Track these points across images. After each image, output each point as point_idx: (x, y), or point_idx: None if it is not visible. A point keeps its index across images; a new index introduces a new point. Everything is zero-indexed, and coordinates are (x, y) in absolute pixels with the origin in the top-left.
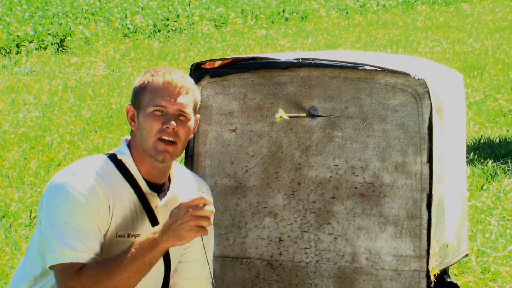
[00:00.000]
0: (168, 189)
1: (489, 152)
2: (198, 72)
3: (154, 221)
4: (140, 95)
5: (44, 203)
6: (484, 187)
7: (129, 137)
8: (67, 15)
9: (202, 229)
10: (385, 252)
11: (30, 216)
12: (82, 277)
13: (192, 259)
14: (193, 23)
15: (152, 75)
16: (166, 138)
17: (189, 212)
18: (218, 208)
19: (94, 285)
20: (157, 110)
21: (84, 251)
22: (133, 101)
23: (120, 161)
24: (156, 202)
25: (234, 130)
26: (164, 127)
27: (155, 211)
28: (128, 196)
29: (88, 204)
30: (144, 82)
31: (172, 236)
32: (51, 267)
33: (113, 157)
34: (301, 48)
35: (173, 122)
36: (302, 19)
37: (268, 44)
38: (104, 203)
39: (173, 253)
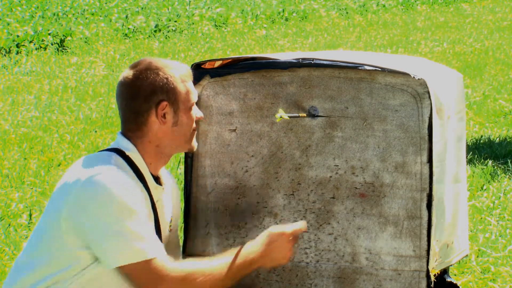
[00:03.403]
0: (160, 183)
1: (489, 152)
2: (198, 72)
3: (155, 215)
4: (176, 90)
5: (88, 208)
6: (484, 187)
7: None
8: (67, 15)
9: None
10: (385, 252)
11: (30, 216)
12: (179, 270)
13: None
14: (193, 23)
15: (171, 69)
16: (195, 128)
17: (291, 242)
18: (218, 208)
19: (192, 282)
20: (194, 103)
21: (161, 246)
22: (166, 97)
23: (128, 157)
24: (158, 196)
25: (234, 130)
26: (199, 116)
27: (156, 205)
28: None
29: (139, 202)
30: (173, 76)
31: (270, 261)
32: (123, 267)
33: (120, 154)
34: (301, 48)
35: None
36: (302, 19)
37: (268, 44)
38: (144, 199)
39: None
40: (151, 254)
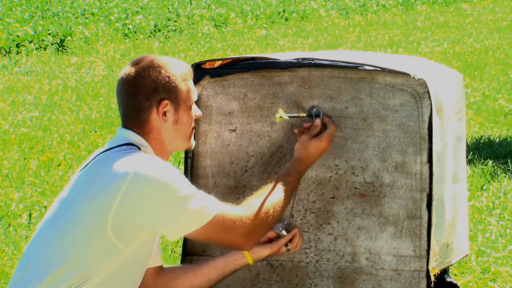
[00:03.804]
0: None
1: (489, 152)
2: (198, 72)
3: None
4: (177, 89)
5: (145, 199)
6: (484, 187)
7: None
8: (67, 15)
9: None
10: (385, 252)
11: (30, 216)
12: (248, 209)
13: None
14: (193, 23)
15: (173, 67)
16: (194, 126)
17: (326, 140)
18: None
19: (266, 213)
20: (194, 102)
21: (216, 199)
22: (167, 96)
23: (144, 152)
24: None
25: (234, 130)
26: (198, 114)
27: None
28: None
29: (183, 177)
30: (174, 74)
31: (315, 160)
32: (192, 233)
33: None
34: (301, 48)
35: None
36: (302, 19)
37: (268, 44)
38: None
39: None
40: (214, 210)
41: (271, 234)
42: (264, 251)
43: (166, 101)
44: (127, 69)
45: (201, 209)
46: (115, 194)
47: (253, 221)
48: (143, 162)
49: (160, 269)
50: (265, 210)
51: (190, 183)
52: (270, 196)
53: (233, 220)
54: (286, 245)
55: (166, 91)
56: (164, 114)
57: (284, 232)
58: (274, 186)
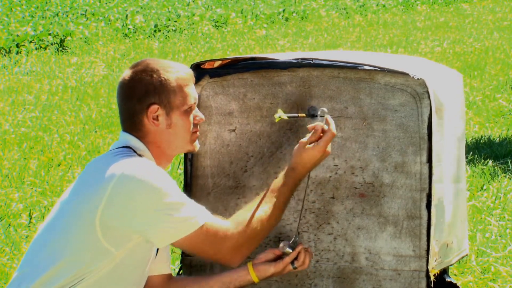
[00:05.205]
0: None
1: (489, 152)
2: (197, 72)
3: None
4: (169, 93)
5: (131, 201)
6: (484, 187)
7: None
8: (67, 15)
9: None
10: (385, 252)
11: (30, 216)
12: (236, 224)
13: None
14: (193, 23)
15: (167, 72)
16: (196, 130)
17: (322, 148)
18: (218, 208)
19: (254, 228)
20: (191, 106)
21: (206, 210)
22: (158, 100)
23: (140, 155)
24: None
25: (234, 130)
26: (198, 119)
27: None
28: None
29: (173, 182)
30: (167, 79)
31: (310, 168)
32: (180, 240)
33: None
34: (301, 48)
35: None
36: (302, 19)
37: (268, 44)
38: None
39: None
40: (201, 220)
41: (277, 252)
42: (269, 270)
43: (156, 106)
44: (125, 73)
45: (189, 218)
46: (102, 196)
47: (240, 236)
48: (132, 165)
49: (168, 277)
50: (254, 226)
51: (181, 192)
52: (260, 211)
53: (220, 234)
54: (292, 263)
55: (157, 95)
56: (157, 118)
57: (288, 250)
58: (266, 197)
